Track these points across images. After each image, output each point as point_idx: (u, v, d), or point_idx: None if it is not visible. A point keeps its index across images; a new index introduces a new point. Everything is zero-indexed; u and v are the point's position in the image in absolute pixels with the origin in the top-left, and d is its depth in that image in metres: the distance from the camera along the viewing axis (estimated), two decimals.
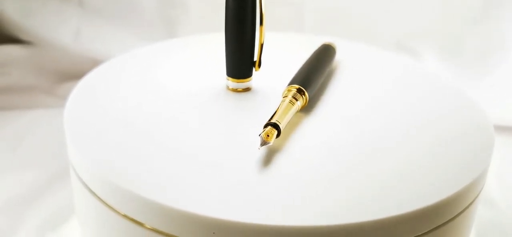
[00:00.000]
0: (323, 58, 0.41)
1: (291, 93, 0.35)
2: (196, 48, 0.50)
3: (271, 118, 0.33)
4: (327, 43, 0.44)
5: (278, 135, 0.32)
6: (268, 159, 0.32)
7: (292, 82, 0.37)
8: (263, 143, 0.31)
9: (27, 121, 0.65)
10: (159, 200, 0.28)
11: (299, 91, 0.36)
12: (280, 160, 0.32)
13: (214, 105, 0.38)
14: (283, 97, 0.35)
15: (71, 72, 0.73)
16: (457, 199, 0.30)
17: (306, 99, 0.36)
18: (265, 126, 0.32)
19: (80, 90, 0.40)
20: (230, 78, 0.39)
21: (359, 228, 0.27)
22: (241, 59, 0.38)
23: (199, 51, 0.49)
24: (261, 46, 0.38)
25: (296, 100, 0.35)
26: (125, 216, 0.30)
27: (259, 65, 0.38)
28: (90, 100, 0.39)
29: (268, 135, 0.31)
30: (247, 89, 0.39)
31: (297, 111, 0.36)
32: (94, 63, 0.46)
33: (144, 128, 0.35)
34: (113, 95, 0.39)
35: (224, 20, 0.37)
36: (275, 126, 0.32)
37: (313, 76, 0.38)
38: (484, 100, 0.45)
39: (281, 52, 0.48)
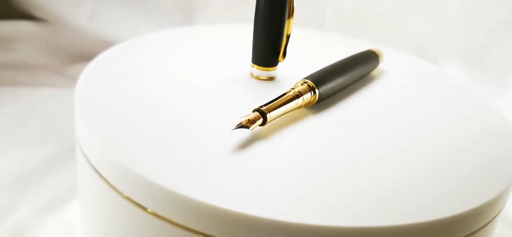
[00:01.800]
0: (357, 62, 0.41)
1: (299, 87, 0.35)
2: (214, 37, 0.49)
3: (263, 105, 0.32)
4: (372, 50, 0.43)
5: (263, 124, 0.32)
6: (273, 151, 0.31)
7: (307, 77, 0.36)
8: (240, 125, 0.31)
9: (34, 99, 0.64)
10: (163, 184, 0.27)
11: (310, 87, 0.35)
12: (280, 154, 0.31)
13: (230, 93, 0.38)
14: (291, 89, 0.35)
15: (83, 54, 0.72)
16: (475, 215, 0.29)
17: (315, 96, 0.35)
18: (253, 111, 0.32)
19: (92, 69, 0.40)
20: (255, 65, 0.39)
21: (365, 234, 0.26)
22: (268, 48, 0.38)
23: (217, 39, 0.49)
24: (288, 37, 0.38)
25: (301, 94, 0.34)
26: (128, 198, 0.29)
27: (284, 56, 0.39)
28: (102, 80, 0.38)
29: (249, 120, 0.31)
30: (271, 78, 0.40)
31: (302, 107, 0.35)
32: (108, 46, 0.45)
33: (156, 112, 0.34)
34: (125, 77, 0.39)
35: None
36: (262, 113, 0.32)
37: (331, 76, 0.37)
38: (504, 110, 0.43)
39: (317, 49, 0.48)
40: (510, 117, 0.42)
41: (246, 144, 0.31)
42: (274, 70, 0.40)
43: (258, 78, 0.40)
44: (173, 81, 0.39)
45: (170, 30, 0.50)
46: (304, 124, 0.34)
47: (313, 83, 0.35)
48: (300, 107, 0.35)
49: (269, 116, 0.32)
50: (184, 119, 0.33)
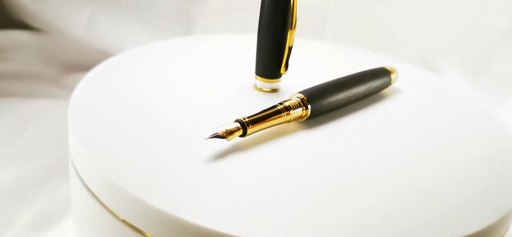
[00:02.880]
0: (362, 79, 0.39)
1: (290, 101, 0.34)
2: (215, 47, 0.49)
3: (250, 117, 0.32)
4: (385, 68, 0.42)
5: (244, 135, 0.31)
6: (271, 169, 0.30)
7: (302, 91, 0.36)
8: (215, 135, 0.30)
9: (29, 111, 0.63)
10: (163, 209, 0.26)
11: (302, 101, 0.34)
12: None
13: (233, 106, 0.37)
14: (281, 102, 0.34)
15: (80, 64, 0.71)
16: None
17: (307, 111, 0.35)
18: (235, 121, 0.31)
19: (88, 81, 0.39)
20: (258, 77, 0.39)
21: None
22: (271, 59, 0.38)
23: (219, 50, 0.48)
24: (290, 49, 0.37)
25: (290, 108, 0.34)
26: (123, 221, 0.28)
27: (286, 68, 0.38)
28: (98, 92, 0.37)
29: (227, 131, 0.30)
30: (274, 90, 0.39)
31: (292, 121, 0.34)
32: (105, 56, 0.45)
33: (154, 127, 0.33)
34: (123, 89, 0.38)
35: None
36: (242, 125, 0.31)
37: (328, 91, 0.36)
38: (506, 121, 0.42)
39: (325, 61, 0.48)
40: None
41: (224, 155, 0.31)
42: (278, 82, 0.39)
43: (261, 90, 0.39)
44: (173, 94, 0.38)
45: (170, 40, 0.49)
46: (293, 139, 0.34)
47: (306, 97, 0.35)
48: (289, 121, 0.34)
49: (251, 128, 0.31)
50: (184, 134, 0.32)
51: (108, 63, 0.42)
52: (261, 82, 0.39)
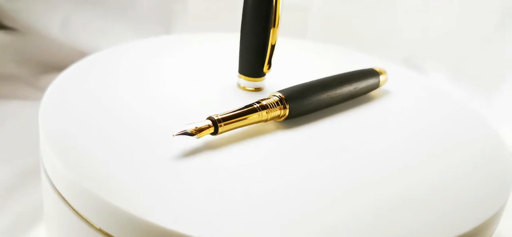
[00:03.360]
0: (348, 79, 0.38)
1: (268, 100, 0.34)
2: (196, 46, 0.48)
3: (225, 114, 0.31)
4: (374, 69, 0.41)
5: (215, 133, 0.31)
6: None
7: (281, 90, 0.35)
8: (183, 132, 0.29)
9: (3, 113, 0.61)
10: (133, 213, 0.25)
11: (281, 100, 0.34)
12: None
13: (215, 105, 0.36)
14: (259, 100, 0.34)
15: (56, 64, 0.70)
16: None
17: (286, 111, 0.34)
18: (207, 119, 0.31)
19: (61, 82, 0.38)
20: (241, 76, 0.39)
21: None
22: (254, 58, 0.38)
23: (200, 48, 0.47)
24: (272, 47, 0.37)
25: (267, 107, 0.33)
26: (100, 230, 0.27)
27: (269, 66, 0.38)
28: (71, 93, 0.36)
29: (197, 128, 0.30)
30: (258, 89, 0.39)
31: (269, 120, 0.34)
32: (82, 56, 0.44)
33: (130, 129, 0.32)
34: (98, 90, 0.37)
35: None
36: (214, 122, 0.30)
37: (310, 91, 0.36)
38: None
39: (308, 59, 0.48)
40: (498, 127, 0.41)
41: (194, 154, 0.30)
42: (262, 80, 0.39)
43: (244, 89, 0.39)
44: (152, 94, 0.37)
45: (149, 39, 0.48)
46: (270, 139, 0.33)
47: (285, 96, 0.34)
48: (266, 120, 0.33)
49: (223, 126, 0.31)
50: (161, 135, 0.31)
51: (83, 63, 0.41)
52: (245, 81, 0.38)
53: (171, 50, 0.45)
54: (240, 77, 0.39)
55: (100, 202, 0.26)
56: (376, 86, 0.41)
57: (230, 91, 0.38)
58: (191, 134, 0.29)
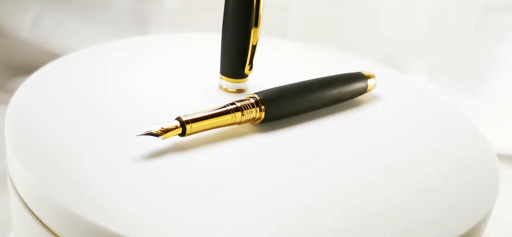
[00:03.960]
0: (333, 83, 0.37)
1: (244, 102, 0.32)
2: (174, 46, 0.46)
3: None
4: (362, 73, 0.39)
5: (183, 134, 0.30)
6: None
7: (258, 91, 0.34)
8: (148, 133, 0.28)
9: None
10: (98, 222, 0.24)
11: (257, 102, 0.33)
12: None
13: (195, 107, 0.33)
14: (234, 102, 0.33)
15: (26, 66, 0.68)
16: None
17: (262, 114, 0.33)
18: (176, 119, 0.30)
19: (29, 86, 0.36)
20: (223, 77, 0.38)
21: None
22: (236, 59, 0.37)
23: (178, 49, 0.46)
24: (253, 47, 0.36)
25: (241, 109, 0.32)
26: (52, 231, 0.26)
27: (251, 67, 0.37)
28: (40, 97, 0.34)
29: (163, 129, 0.29)
30: (240, 91, 0.38)
31: (244, 123, 0.33)
32: (53, 57, 0.43)
33: (100, 135, 0.30)
34: (68, 93, 0.35)
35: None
36: (182, 124, 0.29)
37: (289, 94, 0.34)
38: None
39: (293, 60, 0.47)
40: (481, 128, 0.40)
41: (161, 155, 0.29)
42: (244, 82, 0.38)
43: (226, 90, 0.38)
44: (127, 98, 0.35)
45: (123, 40, 0.46)
46: (243, 142, 0.32)
47: (261, 98, 0.33)
48: (241, 123, 0.32)
49: (191, 128, 0.30)
50: (132, 142, 0.29)
51: (53, 65, 0.39)
52: (227, 82, 0.37)
53: (148, 51, 0.44)
54: (221, 79, 0.38)
55: (64, 211, 0.25)
56: (363, 91, 0.39)
57: (212, 92, 0.37)
58: (156, 135, 0.28)
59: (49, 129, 0.30)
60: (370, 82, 0.39)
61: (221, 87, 0.38)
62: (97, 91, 0.36)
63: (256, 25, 0.35)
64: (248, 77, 0.37)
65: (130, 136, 0.30)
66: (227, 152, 0.30)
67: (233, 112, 0.31)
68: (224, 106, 0.32)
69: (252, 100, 0.33)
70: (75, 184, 0.26)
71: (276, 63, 0.45)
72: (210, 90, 0.38)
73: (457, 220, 0.28)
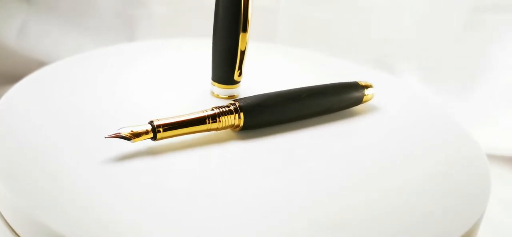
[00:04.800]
0: (325, 92, 0.36)
1: (222, 108, 0.32)
2: (162, 53, 0.46)
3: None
4: (359, 82, 0.38)
5: (154, 139, 0.30)
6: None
7: (240, 98, 0.34)
8: (117, 135, 0.28)
9: None
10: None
11: (236, 109, 0.32)
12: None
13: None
14: (214, 107, 0.32)
15: (13, 75, 0.67)
16: None
17: (240, 121, 0.32)
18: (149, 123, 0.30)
19: (12, 95, 0.35)
20: (215, 83, 0.37)
21: None
22: (227, 65, 0.36)
23: (168, 55, 0.45)
24: (242, 53, 0.36)
25: (218, 116, 0.31)
26: None
27: (240, 74, 0.37)
28: (23, 108, 0.33)
29: (133, 133, 0.29)
30: (232, 97, 0.37)
31: (221, 129, 0.32)
32: (40, 66, 0.42)
33: (85, 146, 0.30)
34: (52, 104, 0.34)
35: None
36: (153, 129, 0.29)
37: (272, 102, 0.34)
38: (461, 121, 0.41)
39: (288, 66, 0.46)
40: (471, 128, 0.40)
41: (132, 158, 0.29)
42: (236, 88, 0.37)
43: (218, 96, 0.37)
44: (116, 105, 0.35)
45: (111, 47, 0.46)
46: (221, 149, 0.31)
47: (240, 106, 0.32)
48: (217, 129, 0.32)
49: (162, 133, 0.29)
50: (119, 153, 0.29)
51: (38, 74, 0.38)
52: (218, 89, 0.37)
53: (137, 58, 0.43)
54: (213, 85, 0.37)
55: (43, 227, 0.24)
56: (358, 101, 0.38)
57: (203, 99, 0.37)
58: (126, 138, 0.28)
59: (32, 141, 0.30)
60: (367, 92, 0.38)
61: (213, 93, 0.37)
62: (84, 98, 0.35)
63: (245, 30, 0.35)
64: (240, 83, 0.37)
65: (117, 151, 0.29)
66: (201, 158, 0.30)
67: (208, 118, 0.31)
68: (200, 112, 0.31)
69: (231, 107, 0.32)
70: (51, 197, 0.26)
71: (270, 68, 0.44)
72: (202, 96, 0.37)
73: (447, 226, 0.27)
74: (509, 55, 0.71)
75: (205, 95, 0.37)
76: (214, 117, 0.31)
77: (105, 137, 0.28)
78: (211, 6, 0.37)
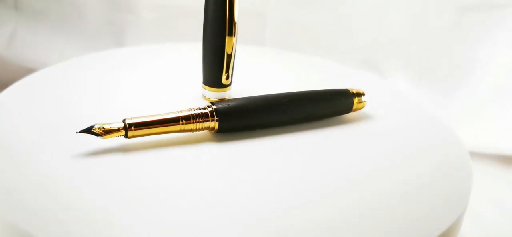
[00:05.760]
0: (306, 99, 0.35)
1: (199, 110, 0.32)
2: (153, 58, 0.46)
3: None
4: (350, 90, 0.37)
5: (126, 136, 0.30)
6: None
7: (217, 101, 0.34)
8: (87, 130, 0.29)
9: None
10: None
11: (211, 113, 0.32)
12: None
13: None
14: (191, 109, 0.32)
15: (3, 82, 0.65)
16: None
17: (215, 125, 0.32)
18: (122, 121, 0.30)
19: (1, 101, 0.35)
20: (206, 87, 0.37)
21: None
22: (217, 68, 0.36)
23: (157, 60, 0.45)
24: (228, 56, 0.36)
25: (192, 118, 0.32)
26: None
27: (227, 77, 0.36)
28: (11, 114, 0.33)
29: (104, 129, 0.29)
30: (223, 100, 0.37)
31: (195, 131, 0.32)
32: (29, 73, 0.41)
33: (76, 155, 0.29)
34: (42, 109, 0.34)
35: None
36: (125, 127, 0.30)
37: (250, 107, 0.34)
38: (450, 120, 0.41)
39: (280, 69, 0.46)
40: (455, 127, 0.40)
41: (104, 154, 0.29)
42: (227, 91, 0.37)
43: (209, 100, 0.37)
44: (106, 111, 0.35)
45: (101, 53, 0.46)
46: (193, 150, 0.31)
47: (216, 109, 0.32)
48: (191, 130, 0.32)
49: (134, 131, 0.30)
50: (110, 164, 0.29)
51: (26, 81, 0.38)
52: (209, 92, 0.37)
53: (128, 63, 0.43)
54: (204, 88, 0.37)
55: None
56: (347, 109, 0.36)
57: (195, 103, 0.36)
58: (96, 134, 0.29)
59: (17, 150, 0.30)
60: (360, 99, 0.36)
61: (204, 97, 0.38)
62: (71, 107, 0.35)
63: (230, 34, 0.35)
64: (231, 86, 0.37)
65: (98, 148, 0.30)
66: (175, 157, 0.30)
67: (182, 119, 0.31)
68: (175, 113, 0.31)
69: (207, 110, 0.32)
70: (37, 208, 0.25)
71: (263, 72, 0.44)
72: (194, 100, 0.37)
73: (428, 226, 0.27)
74: (497, 53, 0.71)
75: (196, 99, 0.37)
76: (188, 118, 0.31)
77: (76, 132, 0.29)
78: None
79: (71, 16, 0.73)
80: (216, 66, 0.36)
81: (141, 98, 0.37)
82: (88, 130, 0.29)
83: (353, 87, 0.37)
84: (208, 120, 0.32)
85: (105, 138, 0.29)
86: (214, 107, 0.32)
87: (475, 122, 0.69)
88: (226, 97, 0.37)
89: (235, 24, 0.35)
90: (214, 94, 0.37)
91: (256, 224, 0.26)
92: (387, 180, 0.31)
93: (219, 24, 0.35)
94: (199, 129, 0.32)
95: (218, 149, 0.32)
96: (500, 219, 0.57)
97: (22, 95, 0.36)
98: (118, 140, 0.30)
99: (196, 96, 0.38)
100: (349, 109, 0.37)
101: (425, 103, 0.42)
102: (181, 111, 0.32)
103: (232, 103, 0.33)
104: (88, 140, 0.30)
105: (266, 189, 0.29)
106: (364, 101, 0.37)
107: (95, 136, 0.29)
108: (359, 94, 0.37)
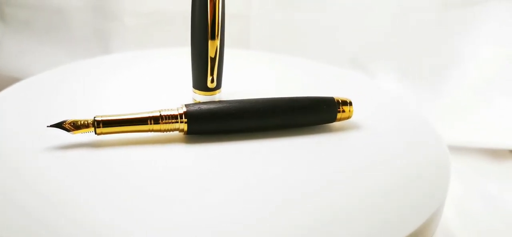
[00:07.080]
0: (287, 106, 0.34)
1: (170, 111, 0.32)
2: (141, 64, 0.46)
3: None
4: (336, 99, 0.35)
5: (95, 133, 0.31)
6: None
7: (189, 104, 0.33)
8: (59, 125, 0.30)
9: None
10: None
11: (181, 115, 0.32)
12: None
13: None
14: (163, 109, 0.32)
15: None
16: None
17: (184, 127, 0.32)
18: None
19: None
20: (196, 91, 0.37)
21: None
22: (203, 72, 0.36)
23: (146, 66, 0.45)
24: (212, 60, 0.36)
25: (160, 119, 0.32)
26: None
27: (212, 80, 0.36)
28: None
29: (73, 124, 0.30)
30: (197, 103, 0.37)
31: (165, 131, 0.32)
32: (15, 82, 0.41)
33: (61, 169, 0.29)
34: (28, 119, 0.34)
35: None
36: (93, 124, 0.31)
37: (222, 111, 0.33)
38: (435, 118, 0.41)
39: (270, 72, 0.46)
40: (442, 123, 0.40)
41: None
42: (217, 94, 0.38)
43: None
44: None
45: (88, 60, 0.45)
46: (163, 150, 0.32)
47: (186, 111, 0.32)
48: (160, 131, 0.32)
49: (102, 128, 0.31)
50: (99, 167, 0.29)
51: (14, 88, 0.38)
52: (199, 96, 0.37)
53: (117, 69, 0.43)
54: (194, 92, 0.38)
55: None
56: (331, 119, 0.35)
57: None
58: (65, 129, 0.30)
59: (8, 161, 0.30)
60: (345, 109, 0.35)
61: (195, 100, 0.38)
62: (57, 117, 0.34)
63: (213, 38, 0.35)
64: (221, 89, 0.37)
65: (93, 163, 0.30)
66: (144, 156, 0.31)
67: (150, 120, 0.32)
68: (145, 113, 0.32)
69: (177, 112, 0.32)
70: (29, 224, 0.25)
71: (255, 75, 0.44)
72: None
73: (402, 222, 0.27)
74: (480, 49, 0.71)
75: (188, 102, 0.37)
76: (156, 119, 0.32)
77: (47, 126, 0.30)
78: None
79: (57, 25, 0.72)
80: (202, 69, 0.36)
81: (133, 104, 0.37)
82: (59, 125, 0.30)
83: (338, 95, 0.36)
84: (177, 122, 0.32)
85: (74, 133, 0.30)
86: (185, 109, 0.32)
87: (462, 117, 0.70)
88: (216, 100, 0.37)
89: (217, 27, 0.35)
90: (203, 97, 0.37)
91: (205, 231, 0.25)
92: (370, 179, 0.30)
93: (203, 28, 0.35)
94: (168, 130, 0.32)
95: (186, 151, 0.32)
96: (489, 213, 0.57)
97: (9, 102, 0.36)
98: (90, 136, 0.31)
99: (188, 100, 0.37)
100: (333, 118, 0.35)
101: (410, 98, 0.41)
102: (152, 112, 0.32)
103: (203, 106, 0.33)
104: (63, 137, 0.31)
105: (237, 192, 0.28)
106: (350, 111, 0.35)
107: (65, 131, 0.30)
108: (345, 103, 0.35)
